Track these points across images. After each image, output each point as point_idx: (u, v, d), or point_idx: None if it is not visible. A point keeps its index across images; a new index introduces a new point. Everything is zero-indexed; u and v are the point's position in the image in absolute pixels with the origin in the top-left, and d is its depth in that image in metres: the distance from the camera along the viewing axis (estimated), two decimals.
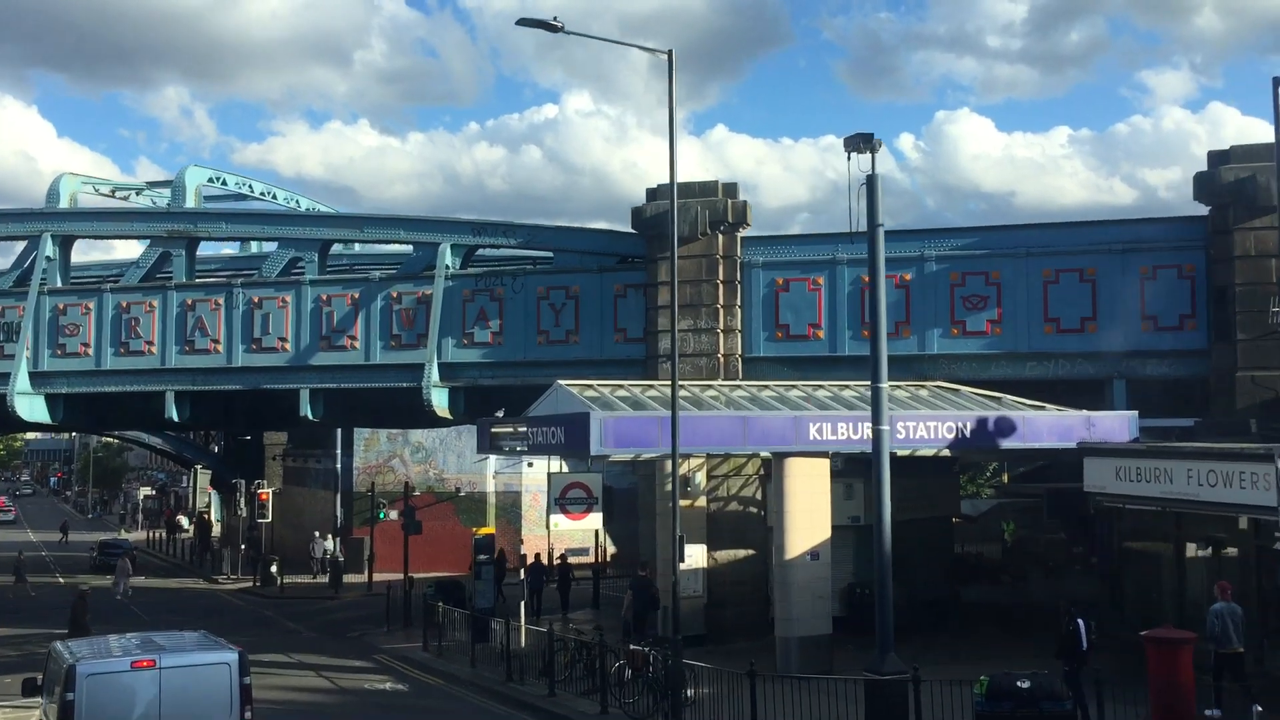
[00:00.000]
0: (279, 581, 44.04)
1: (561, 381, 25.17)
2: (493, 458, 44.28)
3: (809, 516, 23.18)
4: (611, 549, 44.60)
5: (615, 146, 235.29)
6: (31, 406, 34.04)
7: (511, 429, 25.78)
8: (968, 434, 23.85)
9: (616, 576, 39.36)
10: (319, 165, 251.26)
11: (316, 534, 49.16)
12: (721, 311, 28.30)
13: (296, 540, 51.51)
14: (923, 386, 26.53)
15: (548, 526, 27.00)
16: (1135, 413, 24.92)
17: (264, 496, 45.89)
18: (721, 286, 28.39)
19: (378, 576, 41.30)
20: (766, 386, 26.14)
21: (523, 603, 27.95)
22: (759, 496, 27.34)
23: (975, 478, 50.09)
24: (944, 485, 32.36)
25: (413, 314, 31.46)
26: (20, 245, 36.51)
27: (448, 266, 31.20)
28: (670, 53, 20.00)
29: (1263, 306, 24.78)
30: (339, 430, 49.78)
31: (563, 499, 25.11)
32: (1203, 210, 26.31)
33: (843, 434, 23.06)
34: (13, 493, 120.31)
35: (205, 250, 39.67)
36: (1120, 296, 26.71)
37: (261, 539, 47.26)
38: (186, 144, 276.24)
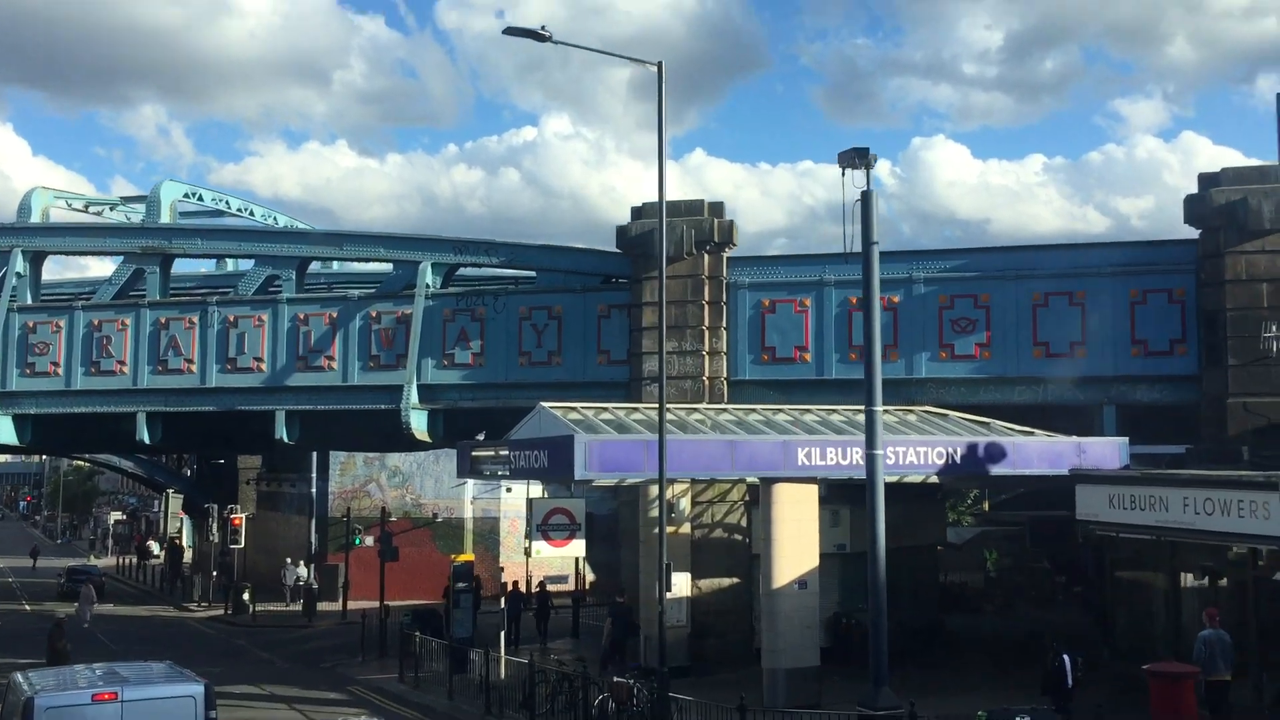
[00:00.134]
0: (251, 609, 43.13)
1: (545, 404, 24.62)
2: (471, 483, 43.65)
3: (797, 544, 22.65)
4: (590, 576, 43.93)
5: (594, 170, 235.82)
6: None
7: (493, 452, 25.26)
8: (958, 460, 23.43)
9: (596, 605, 38.71)
10: (296, 186, 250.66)
11: (289, 560, 48.26)
12: (707, 333, 27.86)
13: (270, 566, 50.51)
14: (910, 411, 26.10)
15: (527, 553, 26.44)
16: (1126, 439, 24.52)
17: (237, 522, 45.15)
18: (707, 307, 27.96)
19: (353, 604, 40.45)
20: (753, 410, 25.65)
21: (502, 632, 27.28)
22: (744, 523, 26.82)
23: (956, 505, 49.75)
24: (930, 513, 32.05)
25: (392, 334, 30.87)
26: None
27: (428, 285, 30.66)
28: (660, 64, 19.77)
29: (1254, 331, 24.49)
30: (314, 454, 48.98)
31: (545, 525, 24.72)
32: (1193, 234, 26.08)
33: (832, 459, 22.58)
34: None
35: (180, 268, 39.00)
36: (1110, 320, 26.39)
37: (234, 565, 46.42)
38: (163, 163, 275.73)
